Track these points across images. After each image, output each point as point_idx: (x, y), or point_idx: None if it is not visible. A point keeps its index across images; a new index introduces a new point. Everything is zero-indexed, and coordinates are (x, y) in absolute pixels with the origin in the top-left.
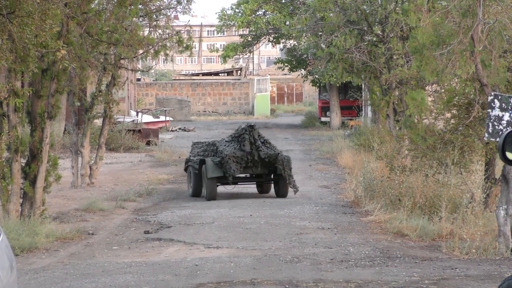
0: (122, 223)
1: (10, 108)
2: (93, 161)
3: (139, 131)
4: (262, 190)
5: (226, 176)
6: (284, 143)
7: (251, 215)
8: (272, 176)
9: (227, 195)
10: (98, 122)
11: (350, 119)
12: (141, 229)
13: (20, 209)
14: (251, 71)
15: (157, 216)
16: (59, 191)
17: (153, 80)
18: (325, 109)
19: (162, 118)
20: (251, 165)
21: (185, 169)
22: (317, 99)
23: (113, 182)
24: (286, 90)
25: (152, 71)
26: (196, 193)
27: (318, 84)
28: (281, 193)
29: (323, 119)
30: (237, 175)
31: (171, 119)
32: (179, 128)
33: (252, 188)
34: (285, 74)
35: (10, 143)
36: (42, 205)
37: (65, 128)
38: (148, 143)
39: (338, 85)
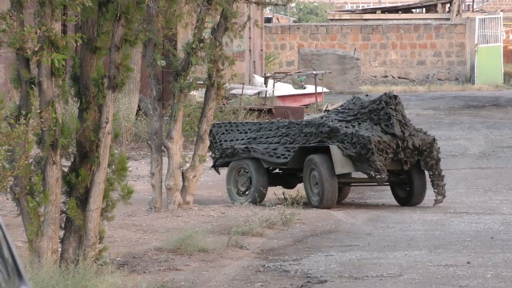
0: (240, 275)
1: (43, 70)
2: (188, 165)
3: (270, 111)
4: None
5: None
6: None
7: (468, 263)
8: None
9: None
10: (198, 95)
11: None
12: (273, 285)
13: (61, 248)
14: (468, 5)
15: (301, 263)
16: (128, 216)
17: (295, 22)
18: None
19: (309, 88)
20: (402, 156)
21: (219, 164)
22: None
23: (224, 201)
24: None
25: (293, 5)
26: (259, 199)
27: None
28: (415, 199)
29: None
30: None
31: (325, 90)
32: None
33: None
34: None
35: (43, 132)
36: (98, 242)
37: (139, 107)
38: None
39: None
